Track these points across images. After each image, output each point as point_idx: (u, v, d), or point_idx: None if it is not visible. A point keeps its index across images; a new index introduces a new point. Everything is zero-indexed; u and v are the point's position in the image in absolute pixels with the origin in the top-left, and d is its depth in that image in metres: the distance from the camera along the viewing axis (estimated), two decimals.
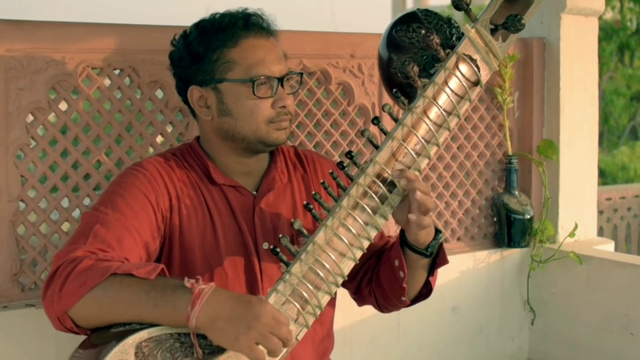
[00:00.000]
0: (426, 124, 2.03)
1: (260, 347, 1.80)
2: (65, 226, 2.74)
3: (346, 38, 3.27)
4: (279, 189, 2.34)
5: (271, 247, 1.91)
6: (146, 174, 2.18)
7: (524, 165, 3.74)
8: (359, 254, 1.98)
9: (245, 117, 2.19)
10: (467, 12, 2.04)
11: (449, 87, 2.05)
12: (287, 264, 1.92)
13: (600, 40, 15.49)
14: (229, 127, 2.22)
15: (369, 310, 3.21)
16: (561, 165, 3.70)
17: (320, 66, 3.17)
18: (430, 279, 2.29)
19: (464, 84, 2.06)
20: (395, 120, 2.03)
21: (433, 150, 2.05)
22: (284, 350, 1.86)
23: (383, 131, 2.03)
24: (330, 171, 2.03)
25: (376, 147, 2.02)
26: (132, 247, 2.05)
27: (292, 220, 1.93)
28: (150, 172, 2.19)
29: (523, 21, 2.04)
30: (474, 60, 2.07)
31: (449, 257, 3.34)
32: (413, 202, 2.00)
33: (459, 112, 2.07)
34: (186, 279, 1.83)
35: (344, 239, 1.95)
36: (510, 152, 3.68)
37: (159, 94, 2.86)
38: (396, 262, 2.22)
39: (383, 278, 2.32)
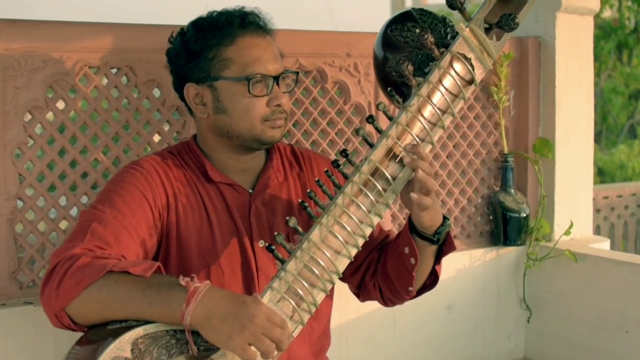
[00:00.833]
0: (421, 122, 2.04)
1: (253, 347, 1.81)
2: (63, 224, 2.75)
3: (342, 37, 3.28)
4: (275, 186, 2.35)
5: (267, 244, 1.92)
6: (143, 173, 2.19)
7: (520, 164, 3.75)
8: (354, 251, 1.99)
9: (240, 114, 2.20)
10: (462, 11, 2.06)
11: (443, 85, 2.06)
12: (282, 262, 1.93)
13: (598, 38, 15.51)
14: (224, 125, 2.23)
15: (365, 308, 3.23)
16: (557, 164, 3.71)
17: (316, 65, 3.18)
18: (437, 267, 2.31)
19: (458, 82, 2.07)
20: (390, 118, 2.04)
21: (428, 149, 2.06)
22: (277, 352, 1.87)
23: (378, 130, 2.04)
24: (326, 169, 2.04)
25: (371, 145, 2.03)
26: (129, 244, 2.06)
27: (287, 218, 1.94)
28: (147, 170, 2.21)
29: (517, 20, 2.05)
30: (468, 59, 2.08)
31: (446, 255, 3.36)
32: (415, 181, 2.02)
33: (454, 111, 2.08)
34: (181, 277, 1.84)
35: (339, 236, 1.97)
36: (506, 150, 3.69)
37: (156, 92, 2.88)
38: (406, 250, 2.22)
39: (390, 268, 2.33)
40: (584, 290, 3.57)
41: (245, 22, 2.23)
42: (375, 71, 2.29)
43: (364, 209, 1.99)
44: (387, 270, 2.34)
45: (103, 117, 2.78)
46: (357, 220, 1.99)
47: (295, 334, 1.94)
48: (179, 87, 2.31)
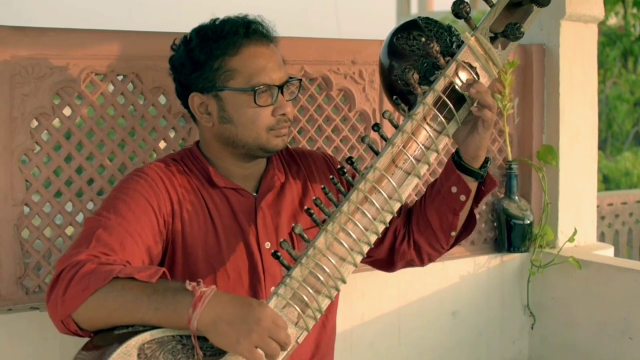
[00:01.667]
0: (426, 130, 2.05)
1: (259, 350, 1.83)
2: (69, 230, 2.76)
3: (347, 44, 3.29)
4: (277, 188, 2.37)
5: (273, 250, 1.94)
6: (148, 180, 2.20)
7: (524, 171, 3.76)
8: (359, 258, 2.01)
9: (246, 125, 2.21)
10: (467, 20, 2.07)
11: None
12: (287, 268, 1.95)
13: (603, 46, 15.53)
14: (230, 134, 2.24)
15: (369, 314, 3.24)
16: (561, 171, 3.71)
17: (321, 72, 3.19)
18: (474, 209, 2.36)
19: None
20: (396, 126, 2.06)
21: (433, 157, 2.07)
22: (283, 353, 1.89)
23: (383, 137, 2.06)
24: (331, 177, 2.05)
25: (376, 153, 2.04)
26: (134, 251, 2.07)
27: (293, 225, 1.95)
28: (151, 177, 2.21)
29: (522, 29, 2.06)
30: (473, 68, 2.09)
31: (449, 262, 3.38)
32: (475, 99, 2.06)
33: (459, 120, 2.09)
34: (187, 281, 1.85)
35: (344, 243, 1.98)
36: (510, 157, 3.70)
37: (162, 99, 2.89)
38: (453, 189, 2.26)
39: (432, 216, 2.35)
40: (588, 297, 3.57)
41: (250, 31, 2.23)
42: (381, 79, 2.31)
43: (370, 216, 2.01)
44: (428, 220, 2.36)
45: (109, 124, 2.79)
46: (362, 228, 2.00)
47: (300, 340, 1.96)
48: (182, 95, 2.32)
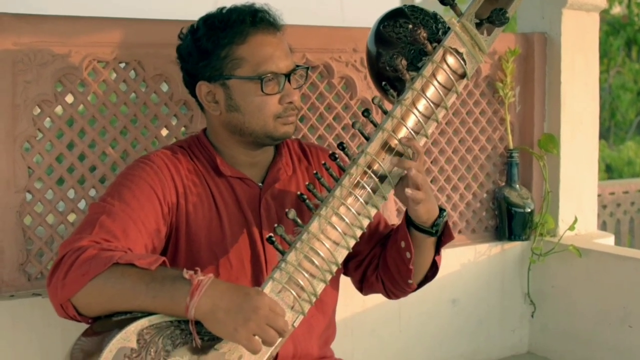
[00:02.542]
0: (415, 115, 2.08)
1: (257, 337, 1.84)
2: (71, 217, 2.77)
3: (349, 32, 3.30)
4: (284, 180, 2.37)
5: (267, 236, 1.95)
6: (153, 167, 2.20)
7: (525, 159, 3.77)
8: (352, 242, 2.03)
9: (253, 113, 2.22)
10: (453, 6, 2.10)
11: (436, 79, 2.10)
12: (282, 253, 1.96)
13: (607, 35, 15.51)
14: (237, 122, 2.24)
15: (370, 301, 3.25)
16: (562, 159, 3.73)
17: (323, 60, 3.20)
18: (437, 258, 2.34)
19: (451, 76, 2.11)
20: (385, 112, 2.08)
21: (422, 141, 2.10)
22: (279, 340, 1.90)
23: (373, 123, 2.08)
24: (323, 162, 2.06)
25: (367, 138, 2.06)
26: (137, 238, 2.07)
27: (287, 210, 1.96)
28: (157, 164, 2.21)
29: (507, 15, 2.09)
30: (460, 54, 2.12)
31: (449, 250, 3.38)
32: (408, 178, 2.07)
33: (447, 104, 2.11)
34: (185, 270, 1.85)
35: (337, 228, 2.00)
36: (511, 146, 3.71)
37: (164, 87, 2.90)
38: (402, 244, 2.26)
39: (390, 262, 2.35)
40: (588, 285, 3.58)
41: (257, 20, 2.23)
42: (369, 67, 2.32)
43: (362, 200, 2.03)
44: (387, 263, 2.37)
45: (111, 111, 2.80)
46: (354, 212, 2.02)
47: (296, 324, 1.97)
48: (189, 84, 2.32)
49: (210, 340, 1.87)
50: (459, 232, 3.65)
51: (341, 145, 2.03)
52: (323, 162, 2.08)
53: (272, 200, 2.32)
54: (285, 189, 2.37)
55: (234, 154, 2.31)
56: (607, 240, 3.86)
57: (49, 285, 1.94)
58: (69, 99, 2.73)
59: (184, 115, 2.93)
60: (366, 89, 3.29)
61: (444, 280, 3.50)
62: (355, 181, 2.02)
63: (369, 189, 2.03)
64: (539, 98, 3.75)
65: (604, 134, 16.62)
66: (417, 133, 2.08)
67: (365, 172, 2.03)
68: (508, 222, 3.67)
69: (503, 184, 3.73)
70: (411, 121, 2.08)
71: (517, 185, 3.69)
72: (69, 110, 2.73)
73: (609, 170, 15.05)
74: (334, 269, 2.01)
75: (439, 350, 3.58)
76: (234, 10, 2.25)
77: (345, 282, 2.49)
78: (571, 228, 3.70)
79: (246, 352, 1.88)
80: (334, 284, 2.40)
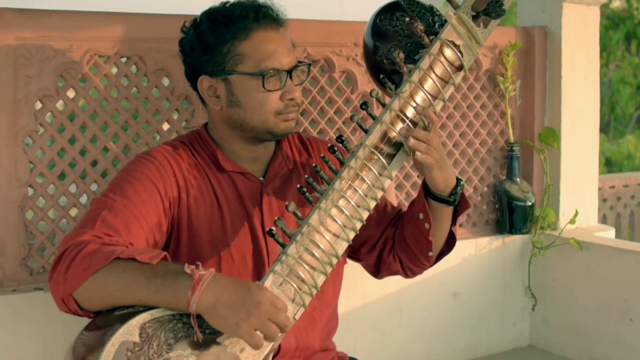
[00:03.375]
0: (413, 108, 2.08)
1: (258, 332, 1.85)
2: (73, 211, 2.78)
3: (350, 26, 3.30)
4: (285, 174, 2.37)
5: (268, 229, 1.95)
6: (155, 163, 2.20)
7: (526, 153, 3.77)
8: (352, 234, 2.03)
9: (254, 109, 2.22)
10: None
11: (434, 72, 2.10)
12: (283, 246, 1.96)
13: (607, 29, 15.50)
14: (238, 118, 2.24)
15: (371, 295, 3.26)
16: (562, 153, 3.73)
17: (324, 54, 3.20)
18: (453, 228, 2.35)
19: (448, 69, 2.11)
20: (383, 105, 2.08)
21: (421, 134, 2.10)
22: (280, 334, 1.91)
23: (372, 116, 2.08)
24: (322, 155, 2.07)
25: (365, 131, 2.07)
26: (139, 233, 2.07)
27: (287, 203, 1.97)
28: (159, 160, 2.22)
29: (503, 7, 2.10)
30: (457, 46, 2.12)
31: None
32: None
33: (444, 96, 2.12)
34: (186, 264, 1.86)
35: (337, 220, 2.00)
36: (512, 139, 3.72)
37: (165, 81, 2.90)
38: (420, 215, 2.26)
39: (408, 236, 2.36)
40: (589, 279, 3.59)
41: (260, 16, 2.22)
42: (366, 60, 2.33)
43: (361, 193, 2.03)
44: (405, 239, 2.37)
45: (113, 106, 2.80)
46: (354, 204, 2.02)
47: (297, 317, 1.97)
48: (191, 78, 2.32)
49: (212, 334, 1.87)
50: (460, 225, 3.65)
51: (340, 138, 2.03)
52: (322, 154, 2.09)
53: (273, 195, 2.33)
54: (286, 182, 2.37)
55: (234, 148, 2.31)
56: (608, 234, 3.87)
57: (51, 279, 1.95)
58: (71, 93, 2.73)
59: (185, 109, 2.93)
60: (367, 83, 3.29)
61: (445, 274, 3.51)
62: (355, 173, 2.03)
63: (368, 181, 2.04)
64: (540, 92, 3.76)
65: (603, 128, 16.62)
66: (415, 125, 2.09)
67: (364, 165, 2.04)
68: (509, 215, 3.68)
69: (504, 177, 3.74)
70: (409, 113, 2.08)
71: (518, 179, 3.69)
72: (71, 105, 2.74)
73: (608, 164, 15.07)
74: (335, 261, 2.01)
75: (440, 343, 3.58)
76: (237, 5, 2.25)
77: (347, 275, 2.49)
78: (572, 221, 3.70)
79: (248, 345, 1.89)
80: (336, 276, 2.40)
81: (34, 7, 2.69)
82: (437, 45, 2.10)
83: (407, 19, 2.19)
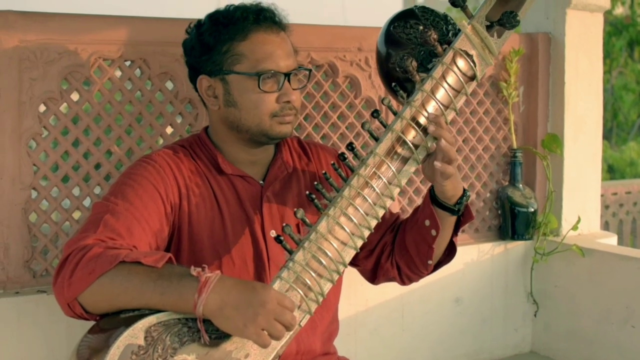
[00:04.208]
0: (424, 117, 2.08)
1: (265, 332, 1.85)
2: (76, 214, 2.78)
3: (353, 31, 3.30)
4: (285, 178, 2.38)
5: (275, 235, 1.95)
6: (155, 166, 2.22)
7: (529, 159, 3.77)
8: (359, 242, 2.03)
9: (249, 109, 2.23)
10: (464, 9, 2.10)
11: (446, 81, 2.10)
12: (290, 252, 1.97)
13: (610, 35, 15.49)
14: (234, 118, 2.26)
15: (373, 300, 3.26)
16: (565, 159, 3.73)
17: (327, 59, 3.21)
18: (455, 238, 2.36)
19: (461, 78, 2.11)
20: (395, 113, 2.08)
21: (431, 143, 2.10)
22: (288, 334, 1.91)
23: (383, 124, 2.08)
24: (332, 162, 2.07)
25: (376, 139, 2.07)
26: (141, 236, 2.08)
27: (295, 209, 1.97)
28: (159, 164, 2.23)
29: (518, 18, 2.09)
30: (470, 56, 2.11)
31: None
32: (438, 151, 2.08)
33: (456, 106, 2.11)
34: (192, 267, 1.86)
35: (345, 228, 2.00)
36: (515, 145, 3.72)
37: (169, 85, 2.90)
38: (427, 222, 2.27)
39: (409, 243, 2.36)
40: (591, 285, 3.59)
41: (260, 18, 2.25)
42: (378, 67, 2.33)
43: (370, 201, 2.03)
44: (406, 245, 2.38)
45: (117, 109, 2.81)
46: (363, 212, 2.02)
47: (303, 323, 1.98)
48: (193, 78, 2.34)
49: (218, 338, 1.88)
50: (462, 231, 3.65)
51: (350, 146, 2.04)
52: (332, 162, 2.09)
53: (273, 198, 2.34)
54: (286, 186, 2.38)
55: (233, 151, 2.33)
56: (610, 240, 3.87)
57: (55, 284, 1.95)
58: (75, 96, 2.74)
59: (189, 113, 2.93)
60: (370, 88, 3.29)
61: (448, 280, 3.51)
62: (364, 182, 2.03)
63: (377, 190, 2.04)
64: (543, 98, 3.76)
65: (606, 135, 16.60)
66: (426, 134, 2.08)
67: (374, 173, 2.04)
68: (511, 221, 3.68)
69: (506, 183, 3.74)
70: (421, 122, 2.08)
71: (521, 185, 3.69)
72: (75, 108, 2.74)
73: (611, 171, 15.04)
74: (342, 269, 2.02)
75: (442, 349, 3.58)
76: (240, 7, 2.28)
77: (349, 280, 2.50)
78: (574, 228, 3.70)
79: (253, 350, 1.89)
80: (337, 280, 2.40)
81: (38, 10, 2.70)
82: (450, 54, 2.10)
83: (421, 27, 2.18)
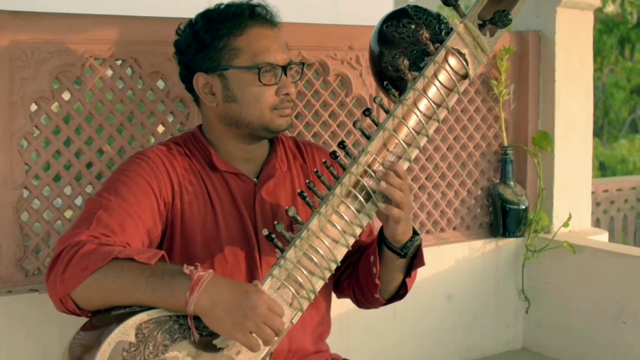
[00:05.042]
0: (416, 115, 2.08)
1: (254, 335, 1.86)
2: (68, 213, 2.78)
3: (344, 30, 3.31)
4: (279, 177, 2.38)
5: (267, 233, 1.96)
6: (149, 162, 2.22)
7: (519, 157, 3.78)
8: (351, 240, 2.04)
9: (250, 103, 2.23)
10: (456, 7, 2.10)
11: (438, 80, 2.10)
12: (282, 250, 1.97)
13: (600, 33, 15.52)
14: (234, 113, 2.26)
15: None
16: (556, 157, 3.74)
17: (318, 58, 3.21)
18: (407, 280, 2.34)
19: (453, 77, 2.11)
20: (387, 111, 2.09)
21: (423, 141, 2.10)
22: (277, 338, 1.92)
23: (375, 122, 2.09)
24: (324, 160, 2.08)
25: (368, 137, 2.07)
26: (134, 232, 2.08)
27: (287, 207, 1.98)
28: (152, 160, 2.23)
29: (510, 17, 2.09)
30: (462, 54, 2.11)
31: (444, 246, 3.39)
32: (385, 194, 2.06)
33: (448, 105, 2.12)
34: (185, 265, 1.87)
35: (337, 226, 2.01)
36: (505, 143, 3.73)
37: (160, 84, 2.90)
38: (371, 258, 2.28)
39: (360, 273, 2.38)
40: (582, 282, 3.60)
41: (255, 13, 2.26)
42: (371, 66, 2.33)
43: (362, 199, 2.04)
44: (358, 273, 2.40)
45: (108, 108, 2.81)
46: (354, 210, 2.03)
47: (294, 321, 1.99)
48: (186, 78, 2.33)
49: (209, 336, 1.88)
50: (454, 228, 3.67)
51: (342, 144, 2.04)
52: (324, 160, 2.09)
53: (266, 196, 2.34)
54: (279, 185, 2.38)
55: (229, 148, 2.33)
56: (601, 237, 3.88)
57: (48, 280, 1.95)
58: (66, 96, 2.74)
59: (180, 112, 2.93)
60: (361, 86, 3.30)
61: (439, 277, 3.52)
62: (356, 180, 2.03)
63: (369, 188, 2.04)
64: (534, 96, 3.77)
65: (597, 132, 16.64)
66: (418, 133, 2.08)
67: (365, 171, 2.04)
68: (502, 218, 3.69)
69: (497, 181, 3.75)
70: (412, 121, 2.08)
71: (512, 182, 3.70)
72: (66, 107, 2.74)
73: (602, 168, 15.07)
74: (333, 266, 2.02)
75: (434, 345, 3.59)
76: (233, 4, 2.29)
77: None
78: (565, 225, 3.71)
79: (244, 347, 1.90)
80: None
81: (29, 9, 2.70)
82: (442, 53, 2.10)
83: (414, 26, 2.19)
